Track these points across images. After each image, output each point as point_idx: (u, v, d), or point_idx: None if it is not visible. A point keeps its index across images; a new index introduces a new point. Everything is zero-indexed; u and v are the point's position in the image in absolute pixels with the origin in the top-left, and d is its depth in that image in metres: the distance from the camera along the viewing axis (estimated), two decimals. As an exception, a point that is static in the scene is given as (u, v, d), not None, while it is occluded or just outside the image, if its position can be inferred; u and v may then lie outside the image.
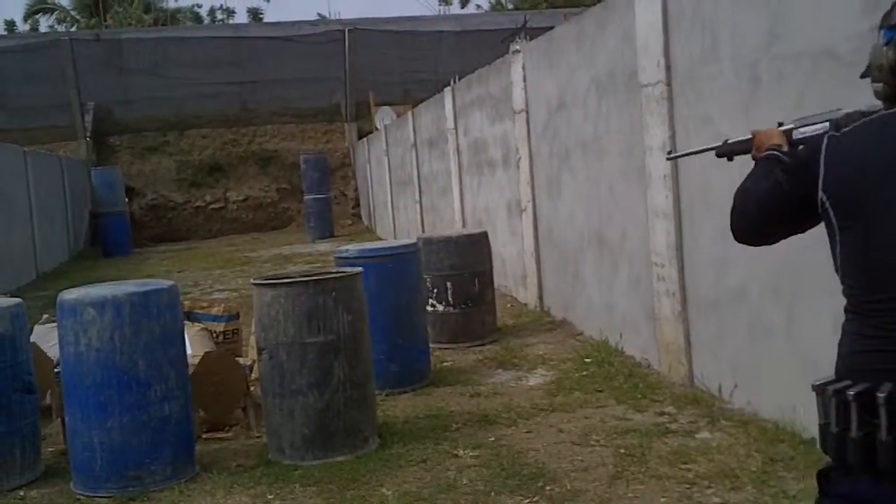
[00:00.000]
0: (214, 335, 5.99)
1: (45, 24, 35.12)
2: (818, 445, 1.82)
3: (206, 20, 38.16)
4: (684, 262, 5.24)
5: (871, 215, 1.72)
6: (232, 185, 22.86)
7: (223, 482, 4.35)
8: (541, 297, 8.21)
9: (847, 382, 1.69)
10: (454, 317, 7.15)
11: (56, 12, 35.64)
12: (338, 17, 31.21)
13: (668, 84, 5.23)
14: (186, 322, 5.36)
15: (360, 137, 22.52)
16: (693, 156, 2.69)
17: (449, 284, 7.14)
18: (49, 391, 5.26)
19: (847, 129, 1.82)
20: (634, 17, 5.56)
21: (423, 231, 13.26)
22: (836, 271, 1.82)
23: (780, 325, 4.34)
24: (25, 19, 35.50)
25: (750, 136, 2.14)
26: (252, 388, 5.26)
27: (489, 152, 9.76)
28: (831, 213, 1.78)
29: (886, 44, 1.81)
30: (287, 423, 4.57)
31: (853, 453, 1.67)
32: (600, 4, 6.45)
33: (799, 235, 2.01)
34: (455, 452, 4.52)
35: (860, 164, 1.76)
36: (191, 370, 4.71)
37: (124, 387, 4.23)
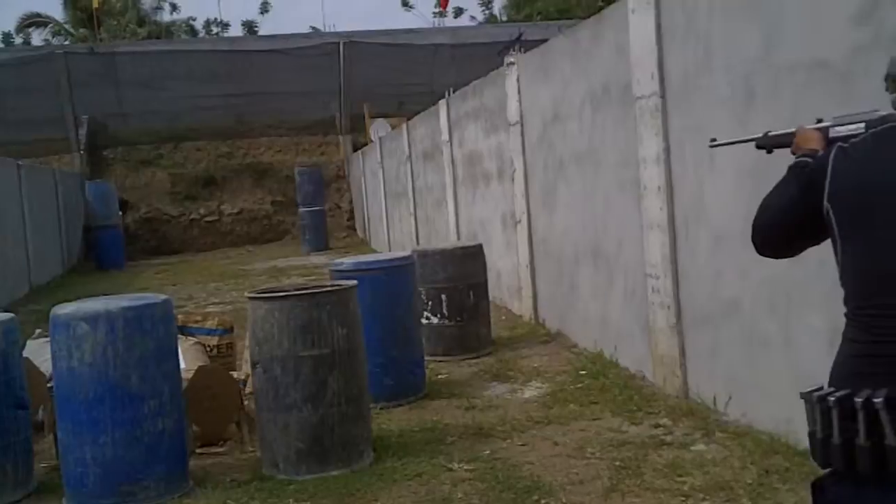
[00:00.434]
0: (208, 349, 5.98)
1: (38, 37, 35.09)
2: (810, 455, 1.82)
3: (201, 33, 38.15)
4: (679, 275, 5.24)
5: (872, 226, 1.74)
6: (226, 198, 22.85)
7: (217, 497, 4.33)
8: (536, 310, 8.21)
9: (831, 389, 1.71)
10: (449, 329, 7.14)
11: (50, 25, 35.60)
12: (332, 30, 31.30)
13: (663, 96, 5.25)
14: (180, 336, 5.34)
15: (354, 150, 22.56)
16: (734, 145, 2.66)
17: (444, 297, 7.13)
18: (41, 406, 5.23)
19: (856, 140, 1.86)
20: (628, 30, 5.57)
21: (418, 243, 13.25)
22: (840, 279, 1.84)
23: (774, 337, 4.34)
24: (17, 32, 35.43)
25: (792, 131, 2.16)
26: (246, 403, 5.24)
27: (484, 164, 9.77)
28: (834, 223, 1.80)
29: None
30: (281, 438, 4.55)
31: (836, 459, 1.69)
32: (594, 17, 6.47)
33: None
34: (450, 466, 4.50)
35: (863, 176, 1.78)
36: (184, 384, 4.69)
37: (117, 402, 4.20)
